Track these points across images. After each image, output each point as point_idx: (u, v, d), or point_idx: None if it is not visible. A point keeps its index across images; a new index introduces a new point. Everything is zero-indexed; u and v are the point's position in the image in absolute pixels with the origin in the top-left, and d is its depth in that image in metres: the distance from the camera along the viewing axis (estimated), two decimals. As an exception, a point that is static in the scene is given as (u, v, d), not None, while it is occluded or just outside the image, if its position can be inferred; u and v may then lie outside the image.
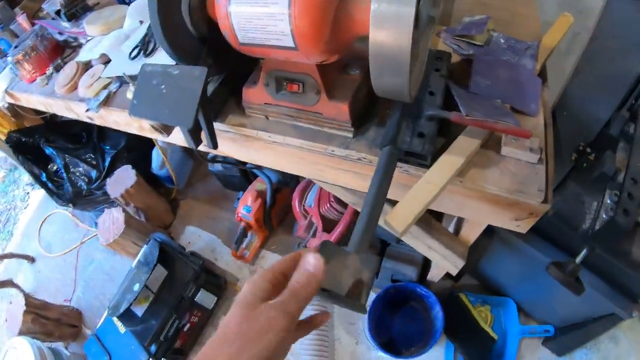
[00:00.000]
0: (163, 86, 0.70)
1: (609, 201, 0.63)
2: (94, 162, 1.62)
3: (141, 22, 1.15)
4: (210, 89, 0.80)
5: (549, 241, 0.99)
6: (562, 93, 0.85)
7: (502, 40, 0.87)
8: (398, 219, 0.61)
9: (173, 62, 0.86)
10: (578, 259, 0.70)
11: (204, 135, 0.77)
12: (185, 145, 0.97)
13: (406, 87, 0.55)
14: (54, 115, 1.65)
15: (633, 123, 0.66)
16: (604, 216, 0.62)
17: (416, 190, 0.65)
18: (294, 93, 0.72)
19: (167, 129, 0.88)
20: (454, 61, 0.86)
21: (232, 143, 0.88)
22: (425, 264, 1.36)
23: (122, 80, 1.06)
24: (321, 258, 0.42)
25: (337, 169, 0.81)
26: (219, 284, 1.54)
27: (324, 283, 0.44)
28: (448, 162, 0.67)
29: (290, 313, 0.39)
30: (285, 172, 0.92)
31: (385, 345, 1.31)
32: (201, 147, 0.81)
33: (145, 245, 1.43)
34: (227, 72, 0.83)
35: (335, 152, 0.75)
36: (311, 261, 0.42)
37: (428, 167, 0.69)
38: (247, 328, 0.37)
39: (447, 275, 1.30)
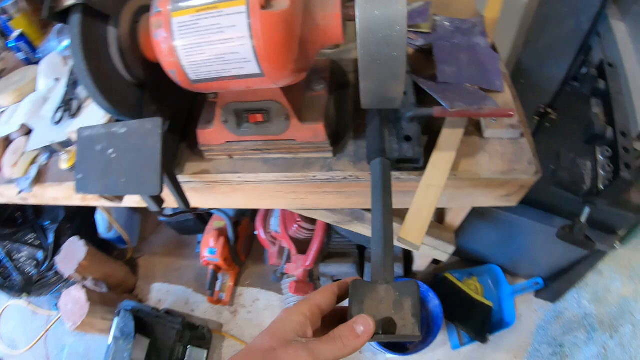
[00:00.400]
0: (111, 150, 0.58)
1: (601, 158, 0.62)
2: (37, 243, 1.40)
3: (57, 79, 0.99)
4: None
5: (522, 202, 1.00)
6: (516, 62, 0.84)
7: (447, 23, 0.83)
8: (413, 233, 0.54)
9: (105, 120, 0.74)
10: (583, 218, 0.68)
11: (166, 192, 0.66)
12: (138, 206, 0.85)
13: (400, 93, 0.49)
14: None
15: (602, 79, 0.66)
16: (602, 173, 0.61)
17: (420, 197, 0.58)
18: (259, 124, 0.63)
19: (118, 196, 0.75)
20: (409, 54, 0.81)
21: (193, 193, 0.75)
22: (407, 256, 1.32)
23: (51, 150, 0.91)
24: (373, 324, 0.39)
25: (319, 193, 0.71)
26: (204, 336, 1.38)
27: None
28: (441, 159, 0.62)
29: (319, 358, 0.37)
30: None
31: (390, 345, 1.25)
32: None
33: (116, 318, 1.25)
34: (172, 116, 0.72)
35: (318, 177, 0.66)
36: (363, 325, 0.39)
37: (421, 169, 0.63)
38: (272, 357, 0.37)
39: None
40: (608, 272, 1.15)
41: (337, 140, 0.67)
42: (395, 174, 0.64)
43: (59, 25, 1.15)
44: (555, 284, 1.19)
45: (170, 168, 0.61)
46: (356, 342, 0.38)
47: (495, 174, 0.64)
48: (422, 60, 0.77)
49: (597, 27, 0.73)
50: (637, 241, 1.08)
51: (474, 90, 0.69)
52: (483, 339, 1.20)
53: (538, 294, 1.28)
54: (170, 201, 0.83)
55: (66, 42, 1.07)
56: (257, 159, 0.69)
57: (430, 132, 0.67)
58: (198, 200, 0.81)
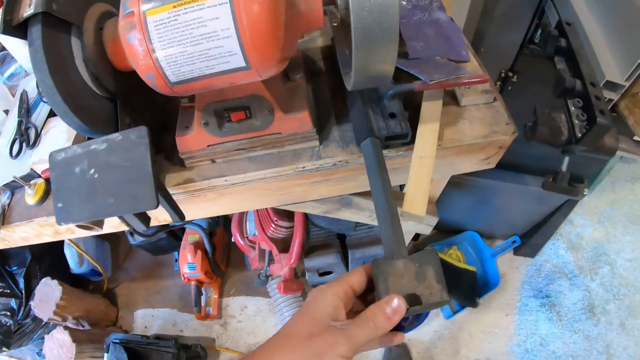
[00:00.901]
0: (92, 170, 0.53)
1: (574, 109, 0.65)
2: (8, 291, 1.28)
3: (6, 111, 0.92)
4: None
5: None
6: (475, 32, 0.87)
7: (404, 2, 0.85)
8: (416, 205, 0.55)
9: (70, 142, 0.69)
10: (564, 167, 0.71)
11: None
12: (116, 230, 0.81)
13: (392, 70, 0.49)
14: None
15: (563, 38, 0.69)
16: (577, 122, 0.64)
17: (415, 170, 0.59)
18: (241, 122, 0.61)
19: (99, 222, 0.70)
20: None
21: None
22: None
23: (12, 187, 0.84)
24: (404, 305, 0.40)
25: (308, 185, 0.70)
26: (199, 354, 1.34)
27: None
28: (428, 131, 0.62)
29: (355, 343, 0.38)
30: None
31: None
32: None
33: (106, 354, 1.19)
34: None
35: (307, 167, 0.64)
36: (394, 305, 0.39)
37: (409, 144, 0.63)
38: (310, 343, 0.38)
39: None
40: (579, 220, 1.22)
41: (321, 127, 0.67)
42: (384, 152, 0.65)
43: (-1, 54, 1.06)
44: (532, 239, 1.25)
45: (160, 179, 0.57)
46: (388, 323, 0.39)
47: (477, 138, 0.66)
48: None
49: (549, -9, 0.77)
50: (599, 187, 1.16)
51: (445, 62, 0.71)
52: (474, 304, 1.24)
53: (517, 251, 1.34)
54: (156, 217, 0.79)
55: (11, 70, 1.00)
56: (242, 158, 0.67)
57: (410, 108, 0.68)
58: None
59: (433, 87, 0.61)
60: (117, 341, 1.21)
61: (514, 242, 1.32)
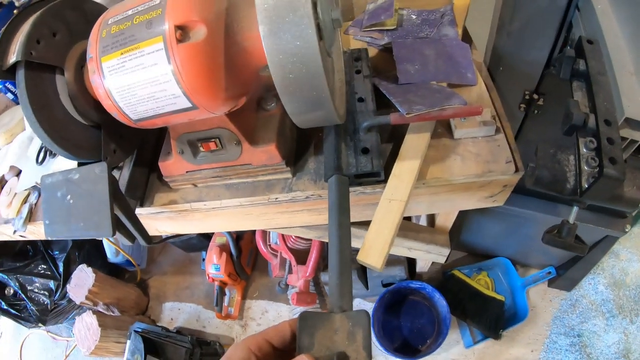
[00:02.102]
0: (69, 196, 0.58)
1: (585, 150, 0.56)
2: (49, 273, 1.45)
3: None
4: (126, 175, 0.69)
5: (522, 194, 0.95)
6: (492, 48, 0.79)
7: (414, 16, 0.80)
8: (373, 255, 0.52)
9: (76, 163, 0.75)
10: (571, 219, 0.63)
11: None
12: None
13: (332, 112, 0.47)
14: (-9, 239, 1.49)
15: (581, 59, 0.60)
16: (587, 168, 0.55)
17: (380, 214, 0.55)
18: (214, 151, 0.61)
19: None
20: (373, 55, 0.78)
21: (171, 222, 0.75)
22: (411, 258, 1.30)
23: (39, 190, 0.94)
24: None
25: (288, 213, 0.70)
26: (216, 351, 1.40)
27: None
28: (404, 170, 0.59)
29: None
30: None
31: (401, 348, 1.24)
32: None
33: (128, 341, 1.29)
34: (137, 148, 0.73)
35: (280, 199, 0.65)
36: None
37: (384, 182, 0.59)
38: None
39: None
40: (625, 254, 1.09)
41: (296, 158, 0.66)
42: (359, 189, 0.62)
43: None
44: (569, 271, 1.14)
45: (128, 207, 0.61)
46: None
47: (469, 177, 0.61)
48: (388, 60, 0.74)
49: (576, -1, 0.67)
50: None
51: (440, 89, 0.66)
52: (496, 335, 1.16)
53: (552, 283, 1.23)
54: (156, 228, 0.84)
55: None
56: (220, 185, 0.69)
57: (397, 137, 0.65)
58: (176, 227, 0.81)
59: (410, 120, 0.57)
60: (139, 330, 1.31)
61: (549, 273, 1.21)
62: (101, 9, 0.65)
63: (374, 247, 0.53)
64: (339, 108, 0.51)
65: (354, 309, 0.44)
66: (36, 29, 0.55)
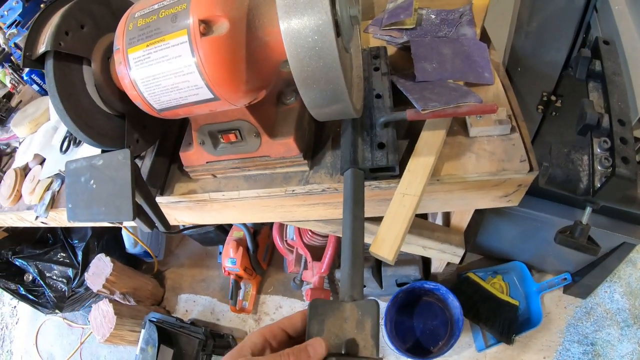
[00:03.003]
0: (92, 181, 0.61)
1: (599, 150, 0.57)
2: (67, 261, 1.50)
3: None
4: (147, 164, 0.72)
5: (539, 196, 0.95)
6: (510, 49, 0.80)
7: (433, 16, 0.81)
8: (385, 247, 0.54)
9: (99, 151, 0.78)
10: (584, 219, 0.63)
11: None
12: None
13: (349, 106, 0.48)
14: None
15: (597, 59, 0.60)
16: (600, 168, 0.56)
17: (394, 208, 0.57)
18: (234, 143, 0.64)
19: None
20: (392, 53, 0.79)
21: (189, 211, 0.78)
22: (426, 258, 1.30)
23: (62, 178, 0.97)
24: (325, 347, 0.39)
25: (305, 206, 0.72)
26: (229, 344, 1.43)
27: (329, 347, 0.41)
28: (419, 166, 0.60)
29: None
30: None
31: (413, 349, 1.25)
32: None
33: (142, 330, 1.33)
34: (159, 139, 0.75)
35: (297, 191, 0.66)
36: (315, 347, 0.39)
37: (399, 177, 0.61)
38: None
39: (451, 260, 1.24)
40: (642, 262, 1.08)
41: (314, 152, 0.68)
42: (374, 183, 0.64)
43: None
44: (585, 278, 1.13)
45: (149, 194, 0.63)
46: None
47: (483, 175, 0.62)
48: (406, 59, 0.75)
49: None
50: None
51: (456, 87, 0.67)
52: (509, 340, 1.16)
53: (567, 290, 1.22)
54: (174, 217, 0.86)
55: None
56: (239, 176, 0.71)
57: (414, 135, 0.66)
58: (194, 217, 0.84)
59: (426, 116, 0.58)
60: (154, 320, 1.35)
61: (565, 279, 1.20)
62: (126, 4, 0.68)
63: (387, 239, 0.54)
64: (355, 102, 0.52)
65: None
66: (65, 21, 0.58)
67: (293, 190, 0.67)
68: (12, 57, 1.37)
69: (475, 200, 0.70)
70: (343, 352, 0.41)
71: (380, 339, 1.31)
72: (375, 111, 0.64)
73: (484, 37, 0.79)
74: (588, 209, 0.62)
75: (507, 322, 1.19)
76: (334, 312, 0.44)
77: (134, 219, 0.57)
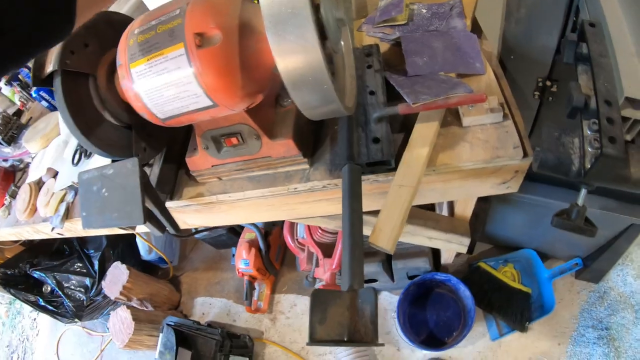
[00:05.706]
0: (104, 190, 0.66)
1: (589, 132, 0.59)
2: (84, 271, 1.57)
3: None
4: (156, 171, 0.76)
5: (544, 182, 0.97)
6: (502, 37, 0.82)
7: (424, 10, 0.84)
8: (383, 238, 0.57)
9: (109, 161, 0.83)
10: (580, 201, 0.66)
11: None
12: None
13: (339, 106, 0.52)
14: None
15: (583, 42, 0.63)
16: (590, 149, 0.58)
17: (391, 199, 0.60)
18: (236, 146, 0.68)
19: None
20: (385, 50, 0.82)
21: (198, 214, 0.83)
22: (435, 249, 1.33)
23: (75, 189, 1.03)
24: None
25: (308, 203, 0.76)
26: (245, 344, 1.48)
27: (332, 334, 0.43)
28: (413, 157, 0.63)
29: None
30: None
31: (427, 341, 1.28)
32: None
33: (160, 334, 1.39)
34: (166, 146, 0.80)
35: (299, 189, 0.71)
36: None
37: (394, 169, 0.64)
38: None
39: (461, 250, 1.27)
40: (655, 244, 1.09)
41: (313, 150, 0.71)
42: (372, 177, 0.67)
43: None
44: (596, 262, 1.14)
45: (159, 199, 0.68)
46: None
47: (477, 163, 0.65)
48: (398, 54, 0.79)
49: (581, -17, 0.70)
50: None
51: (447, 79, 0.70)
52: (522, 328, 1.18)
53: (579, 275, 1.24)
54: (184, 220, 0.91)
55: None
56: (243, 177, 0.75)
57: (408, 128, 0.69)
58: (203, 220, 0.88)
59: (417, 109, 0.61)
60: (172, 324, 1.40)
61: (576, 264, 1.22)
62: (127, 19, 0.73)
63: (384, 230, 0.58)
64: (347, 101, 0.56)
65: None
66: (70, 41, 0.63)
67: (295, 188, 0.71)
68: (19, 76, 1.43)
69: (473, 188, 0.73)
70: (345, 339, 0.45)
71: (394, 332, 1.35)
72: (370, 107, 0.67)
73: (476, 28, 0.82)
74: (583, 191, 0.64)
75: (520, 310, 1.21)
76: (336, 301, 0.47)
77: (144, 223, 0.61)
